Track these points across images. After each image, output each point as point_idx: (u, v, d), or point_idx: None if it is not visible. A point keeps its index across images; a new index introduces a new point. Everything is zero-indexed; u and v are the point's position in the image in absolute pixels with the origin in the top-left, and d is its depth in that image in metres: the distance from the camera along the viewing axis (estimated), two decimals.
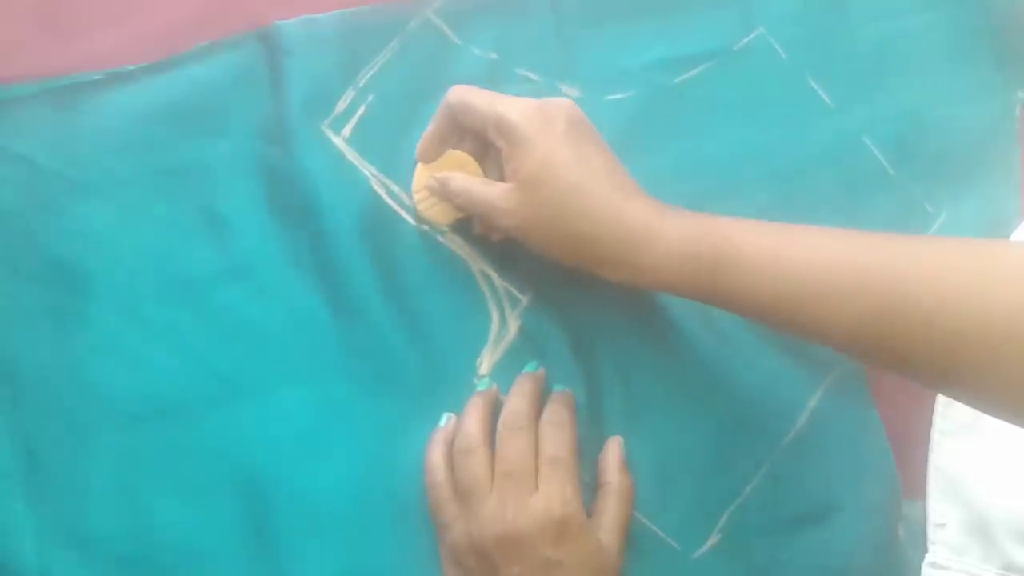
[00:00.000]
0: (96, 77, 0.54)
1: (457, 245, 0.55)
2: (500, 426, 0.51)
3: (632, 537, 0.53)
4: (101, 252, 0.53)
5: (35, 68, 0.54)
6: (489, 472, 0.50)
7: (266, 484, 0.52)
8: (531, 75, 0.57)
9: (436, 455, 0.52)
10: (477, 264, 0.55)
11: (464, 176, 0.52)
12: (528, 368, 0.54)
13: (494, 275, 0.55)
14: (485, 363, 0.55)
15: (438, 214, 0.54)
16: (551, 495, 0.49)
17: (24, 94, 0.53)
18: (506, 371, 0.54)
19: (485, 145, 0.53)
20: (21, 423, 0.52)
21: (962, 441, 0.57)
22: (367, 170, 0.55)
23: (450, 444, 0.52)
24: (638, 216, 0.47)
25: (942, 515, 0.56)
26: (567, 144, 0.48)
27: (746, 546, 0.55)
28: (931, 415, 0.57)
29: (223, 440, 0.52)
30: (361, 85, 0.55)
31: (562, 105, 0.49)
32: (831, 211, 0.58)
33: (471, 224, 0.55)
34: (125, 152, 0.54)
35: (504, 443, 0.51)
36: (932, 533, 0.56)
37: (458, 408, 0.54)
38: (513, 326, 0.55)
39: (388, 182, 0.55)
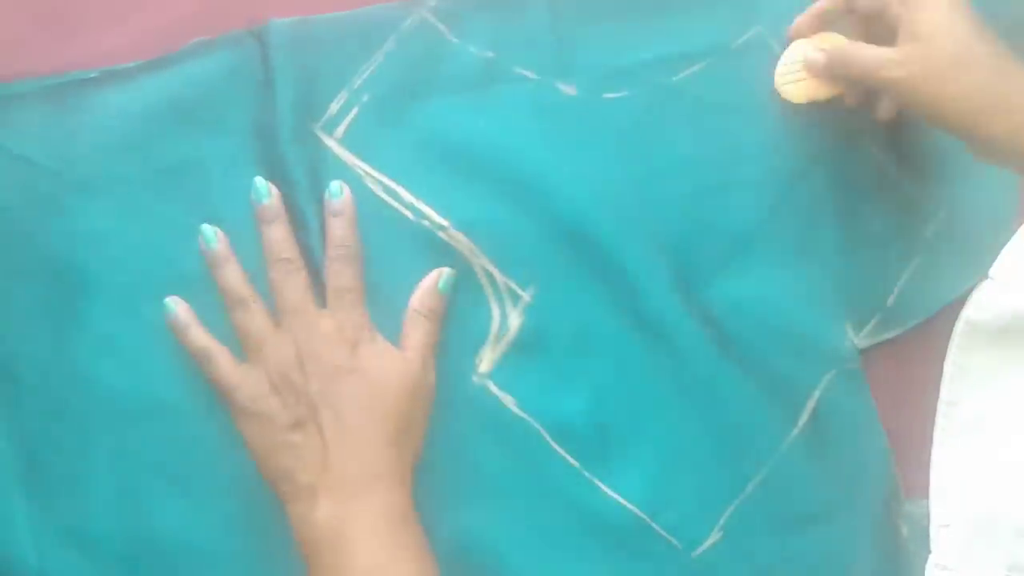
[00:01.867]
0: (93, 75, 0.54)
1: (458, 241, 0.55)
2: (269, 267, 0.52)
3: (632, 536, 0.53)
4: (100, 251, 0.53)
5: (33, 66, 0.54)
6: (268, 318, 0.51)
7: (264, 481, 0.51)
8: (528, 74, 0.57)
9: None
10: (478, 260, 0.55)
11: (849, 41, 0.54)
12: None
13: (495, 271, 0.55)
14: (485, 361, 0.54)
15: (796, 91, 0.56)
16: (342, 319, 0.51)
17: (21, 92, 0.53)
18: (507, 369, 0.54)
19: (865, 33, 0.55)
20: (20, 422, 0.51)
21: (965, 441, 0.56)
22: (361, 168, 0.55)
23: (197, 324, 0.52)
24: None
25: (946, 516, 0.55)
26: (960, 6, 0.51)
27: (747, 545, 0.55)
28: (932, 414, 0.57)
29: (223, 438, 0.52)
30: (356, 87, 0.55)
31: None
32: (831, 209, 0.58)
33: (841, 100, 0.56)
34: (123, 150, 0.53)
35: (279, 283, 0.52)
36: (936, 534, 0.55)
37: (457, 405, 0.53)
38: (514, 323, 0.55)
39: (383, 179, 0.55)
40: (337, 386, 0.49)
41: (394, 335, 0.53)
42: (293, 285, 0.51)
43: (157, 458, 0.52)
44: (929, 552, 0.55)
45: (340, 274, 0.52)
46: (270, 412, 0.49)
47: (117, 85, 0.54)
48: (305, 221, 0.54)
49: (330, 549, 0.47)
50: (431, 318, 0.53)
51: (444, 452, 0.53)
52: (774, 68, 0.57)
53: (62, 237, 0.53)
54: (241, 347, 0.51)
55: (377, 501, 0.48)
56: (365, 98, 0.55)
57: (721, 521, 0.55)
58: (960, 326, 0.57)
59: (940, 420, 0.57)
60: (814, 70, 0.55)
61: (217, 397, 0.51)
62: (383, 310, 0.53)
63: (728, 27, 0.59)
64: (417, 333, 0.53)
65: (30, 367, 0.52)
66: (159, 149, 0.54)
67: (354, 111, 0.55)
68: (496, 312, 0.55)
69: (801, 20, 0.56)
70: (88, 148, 0.53)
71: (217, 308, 0.52)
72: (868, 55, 0.52)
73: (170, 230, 0.53)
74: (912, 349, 0.58)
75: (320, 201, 0.54)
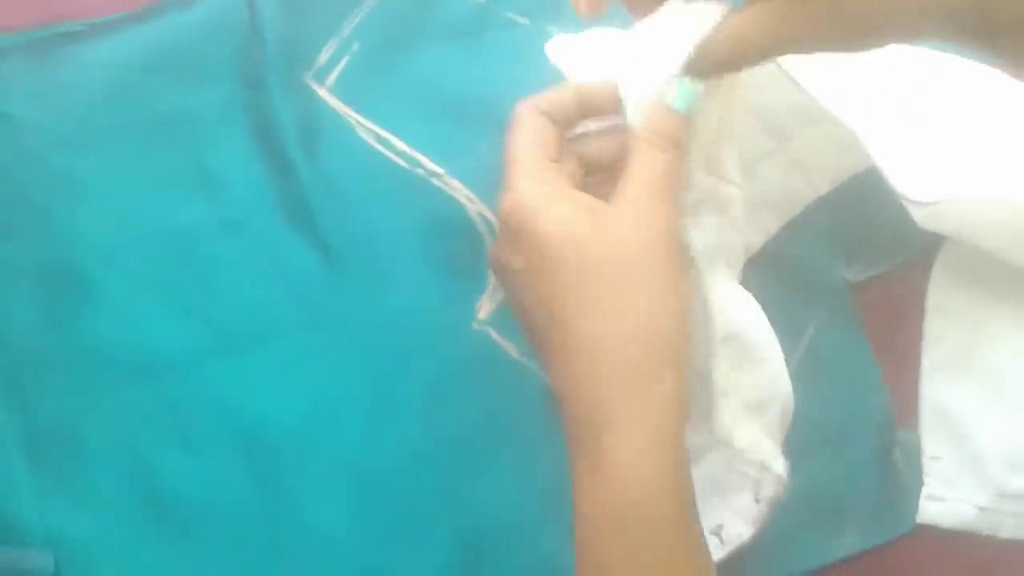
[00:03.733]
0: (76, 28, 0.53)
1: (454, 189, 0.54)
2: None
3: None
4: (88, 206, 0.52)
5: (14, 20, 0.53)
6: None
7: (269, 433, 0.52)
8: (519, 19, 0.56)
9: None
10: (475, 207, 0.55)
11: None
12: None
13: (492, 217, 0.55)
14: (484, 309, 0.54)
15: None
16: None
17: (3, 47, 0.52)
18: (507, 317, 0.54)
19: None
20: (16, 384, 0.50)
21: (950, 375, 0.57)
22: (353, 118, 0.54)
23: None
24: None
25: (936, 448, 0.57)
26: None
27: None
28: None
29: (223, 391, 0.51)
30: (345, 35, 0.55)
31: None
32: None
33: None
34: (108, 103, 0.52)
35: None
36: (927, 466, 0.56)
37: (457, 354, 0.53)
38: None
39: (376, 128, 0.54)
40: None
41: (403, 283, 0.53)
42: None
43: (157, 413, 0.51)
44: (922, 484, 0.56)
45: None
46: None
47: (101, 38, 0.53)
48: (296, 171, 0.53)
49: None
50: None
51: (447, 400, 0.53)
52: None
53: (48, 193, 0.52)
54: None
55: None
56: (355, 46, 0.54)
57: None
58: (938, 263, 0.58)
59: (926, 355, 0.58)
60: None
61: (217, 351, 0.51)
62: (380, 262, 0.53)
63: None
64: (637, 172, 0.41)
65: (23, 328, 0.51)
66: (146, 101, 0.53)
67: (344, 60, 0.54)
68: None
69: None
70: (73, 102, 0.52)
71: (208, 261, 0.52)
72: None
73: (161, 182, 0.53)
74: (905, 282, 0.59)
75: (311, 151, 0.53)
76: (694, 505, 0.41)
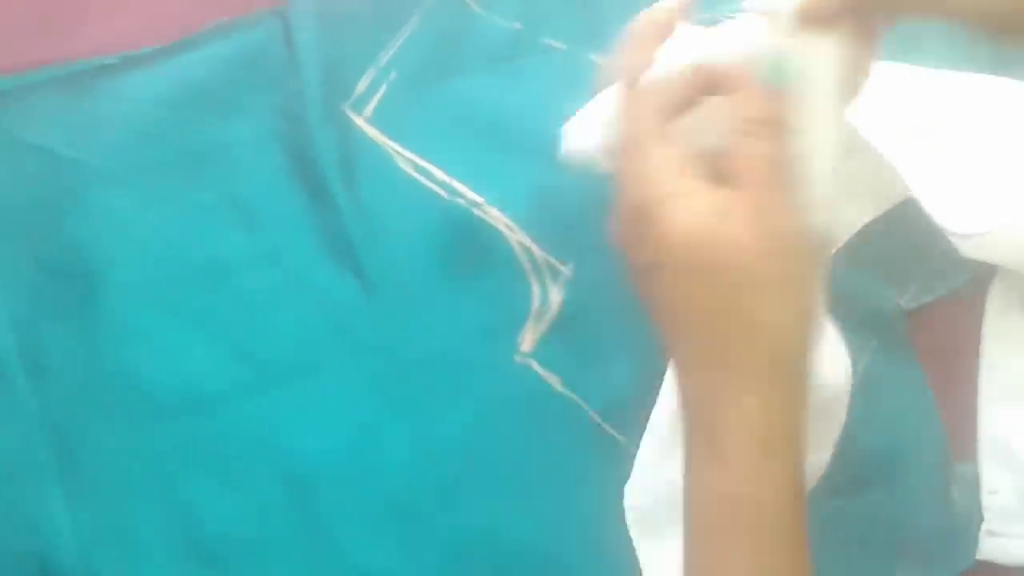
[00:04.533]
0: (111, 61, 0.52)
1: (494, 218, 0.53)
2: None
3: None
4: (125, 240, 0.51)
5: (49, 54, 0.52)
6: None
7: (310, 468, 0.51)
8: (557, 44, 0.55)
9: None
10: (515, 236, 0.54)
11: None
12: None
13: (533, 246, 0.54)
14: (527, 340, 0.53)
15: None
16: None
17: (38, 82, 0.52)
18: (550, 347, 0.53)
19: None
20: (54, 418, 0.50)
21: (1010, 406, 0.56)
22: (391, 148, 0.54)
23: None
24: None
25: (995, 482, 0.55)
26: None
27: None
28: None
29: (263, 426, 0.51)
30: (383, 64, 0.54)
31: None
32: None
33: None
34: (145, 137, 0.52)
35: None
36: (986, 500, 0.55)
37: (499, 387, 0.52)
38: (555, 299, 0.53)
39: (414, 157, 0.54)
40: None
41: (443, 315, 0.52)
42: None
43: (200, 452, 0.50)
44: (981, 518, 0.54)
45: None
46: None
47: (136, 71, 0.53)
48: (334, 201, 0.52)
49: None
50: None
51: (489, 434, 0.52)
52: None
53: (86, 227, 0.52)
54: None
55: None
56: (393, 75, 0.54)
57: None
58: (994, 289, 0.57)
59: (983, 385, 0.56)
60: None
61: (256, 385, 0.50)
62: (420, 293, 0.52)
63: None
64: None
65: (62, 363, 0.50)
66: (182, 135, 0.53)
67: (382, 89, 0.54)
68: (536, 289, 0.54)
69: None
70: (109, 136, 0.52)
71: (247, 295, 0.51)
72: None
73: (198, 215, 0.52)
74: (960, 309, 0.57)
75: (349, 181, 0.53)
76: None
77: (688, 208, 0.38)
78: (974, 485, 0.55)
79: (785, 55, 0.39)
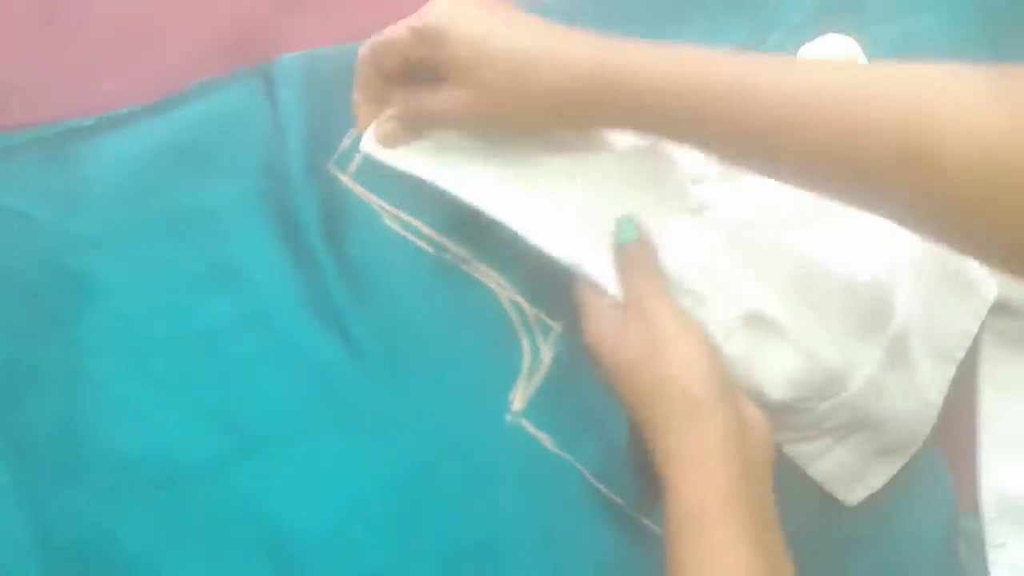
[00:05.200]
0: (90, 122, 0.52)
1: (483, 273, 0.52)
2: None
3: None
4: (106, 307, 0.50)
5: (31, 116, 0.52)
6: None
7: (296, 541, 0.49)
8: None
9: None
10: (505, 292, 0.52)
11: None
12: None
13: (524, 303, 0.53)
14: (519, 398, 0.52)
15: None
16: None
17: (17, 144, 0.51)
18: (542, 405, 0.52)
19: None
20: (36, 491, 0.49)
21: (1012, 455, 0.55)
22: (378, 205, 0.53)
23: None
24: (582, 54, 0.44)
25: (1000, 535, 0.54)
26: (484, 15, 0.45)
27: (803, 567, 0.52)
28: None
29: (247, 497, 0.49)
30: None
31: None
32: None
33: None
34: (126, 200, 0.51)
35: None
36: (992, 554, 0.54)
37: (490, 449, 0.51)
38: (547, 356, 0.52)
39: (401, 215, 0.53)
40: None
41: (432, 376, 0.51)
42: None
43: (182, 524, 0.49)
44: (987, 572, 0.53)
45: None
46: None
47: (117, 132, 0.52)
48: (319, 261, 0.52)
49: None
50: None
51: (482, 494, 0.51)
52: None
53: (66, 295, 0.50)
54: None
55: None
56: None
57: None
58: (986, 334, 0.55)
59: (983, 435, 0.55)
60: (392, 140, 0.48)
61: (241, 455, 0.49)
62: (408, 352, 0.51)
63: (747, 36, 0.57)
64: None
65: (44, 434, 0.49)
66: (164, 197, 0.52)
67: None
68: (527, 346, 0.52)
69: (361, 114, 0.48)
70: (88, 200, 0.51)
71: (232, 360, 0.50)
72: (440, 106, 0.46)
73: (180, 279, 0.51)
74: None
75: (335, 240, 0.52)
76: (771, 521, 0.44)
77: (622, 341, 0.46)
78: (979, 538, 0.54)
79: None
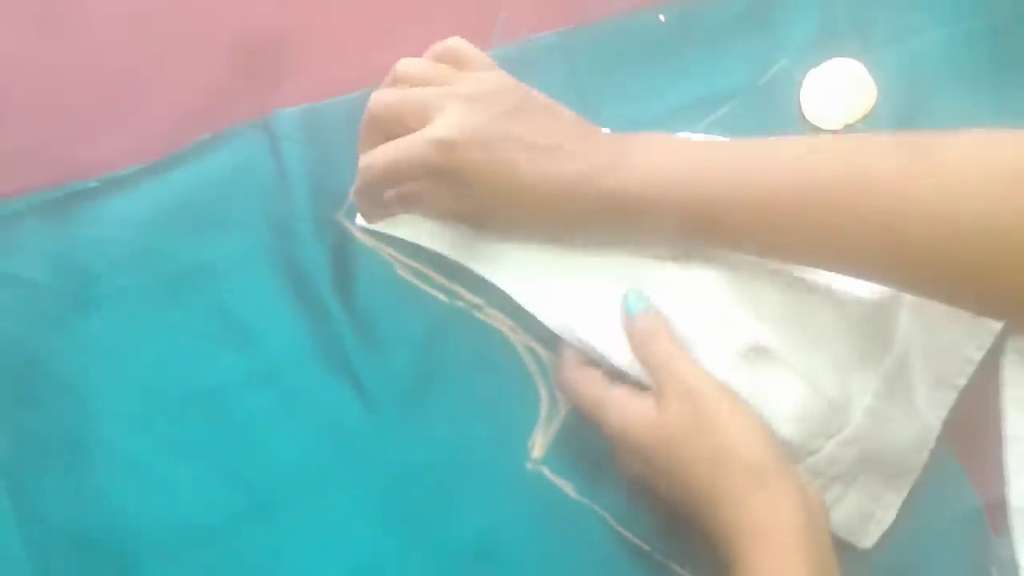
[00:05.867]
0: (92, 185, 0.51)
1: (496, 320, 0.52)
2: None
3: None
4: (112, 370, 0.50)
5: (32, 179, 0.51)
6: None
7: None
8: None
9: None
10: (520, 338, 0.52)
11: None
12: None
13: (539, 348, 0.52)
14: (538, 445, 0.51)
15: (828, 117, 0.55)
16: None
17: (18, 210, 0.50)
18: (561, 451, 0.51)
19: None
20: (48, 561, 0.47)
21: None
22: (389, 255, 0.52)
23: None
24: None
25: None
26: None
27: None
28: None
29: (261, 558, 0.48)
30: None
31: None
32: None
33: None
34: (129, 261, 0.51)
35: None
36: None
37: (513, 499, 0.50)
38: (564, 403, 0.51)
39: (413, 263, 0.52)
40: None
41: (449, 425, 0.51)
42: None
43: None
44: None
45: None
46: None
47: (118, 193, 0.51)
48: (330, 314, 0.51)
49: None
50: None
51: (505, 546, 0.50)
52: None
53: (70, 359, 0.50)
54: None
55: None
56: None
57: None
58: (1007, 354, 0.55)
59: (1008, 456, 0.54)
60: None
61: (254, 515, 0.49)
62: (423, 403, 0.51)
63: (753, 65, 0.57)
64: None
65: (53, 501, 0.48)
66: (169, 256, 0.51)
67: None
68: (544, 392, 0.52)
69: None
70: (92, 262, 0.51)
71: (242, 420, 0.50)
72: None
73: (187, 338, 0.51)
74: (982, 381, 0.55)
75: (346, 291, 0.51)
76: None
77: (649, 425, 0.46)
78: (1011, 564, 0.53)
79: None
